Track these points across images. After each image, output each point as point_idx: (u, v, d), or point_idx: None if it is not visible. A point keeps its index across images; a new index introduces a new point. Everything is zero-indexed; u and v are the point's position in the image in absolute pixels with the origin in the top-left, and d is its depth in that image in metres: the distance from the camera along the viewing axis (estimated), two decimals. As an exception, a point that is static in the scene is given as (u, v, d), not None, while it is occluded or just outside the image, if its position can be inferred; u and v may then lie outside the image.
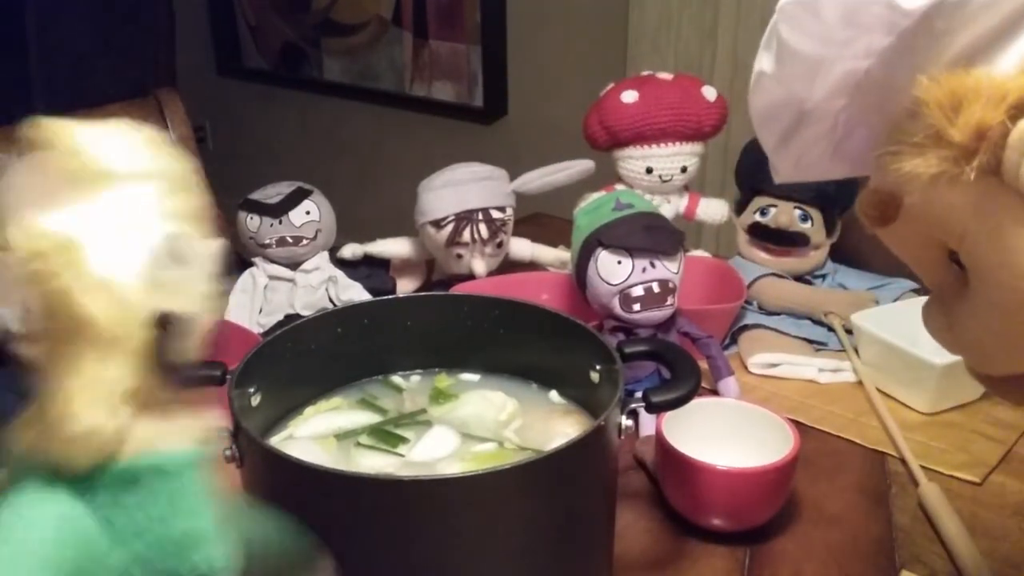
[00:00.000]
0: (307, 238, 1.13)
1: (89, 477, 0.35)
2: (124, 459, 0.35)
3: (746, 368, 1.04)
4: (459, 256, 1.13)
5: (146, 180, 0.36)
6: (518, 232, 1.20)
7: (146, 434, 0.36)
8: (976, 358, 0.45)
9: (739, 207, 1.23)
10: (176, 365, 0.35)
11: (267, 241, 1.13)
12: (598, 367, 0.70)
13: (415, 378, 0.80)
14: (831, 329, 1.10)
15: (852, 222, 1.23)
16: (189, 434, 0.38)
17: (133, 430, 0.35)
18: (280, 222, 1.13)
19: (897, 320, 0.99)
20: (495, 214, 1.12)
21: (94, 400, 0.34)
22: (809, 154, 0.50)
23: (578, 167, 1.18)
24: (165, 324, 0.34)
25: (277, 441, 0.72)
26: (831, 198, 1.15)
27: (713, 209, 1.25)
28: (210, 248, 0.37)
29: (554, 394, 0.77)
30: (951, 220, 0.40)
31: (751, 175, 1.20)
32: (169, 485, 0.36)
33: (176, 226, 0.36)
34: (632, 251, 0.91)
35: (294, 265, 1.14)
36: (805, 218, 1.16)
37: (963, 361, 0.46)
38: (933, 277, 0.45)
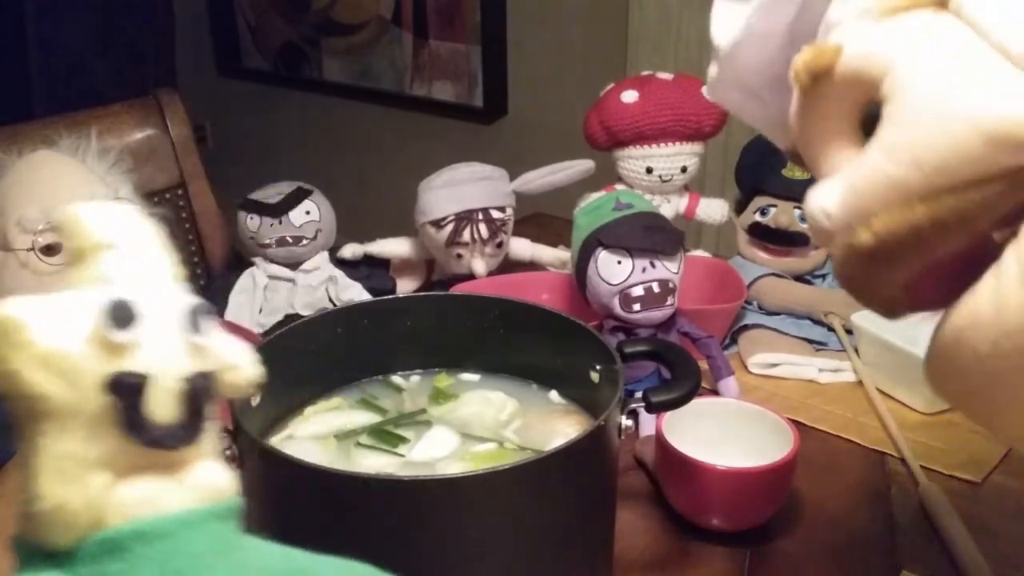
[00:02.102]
0: (307, 238, 1.13)
1: (73, 550, 0.34)
2: (108, 527, 0.34)
3: (746, 368, 1.04)
4: (459, 256, 1.13)
5: (104, 248, 0.36)
6: (518, 232, 1.20)
7: (132, 498, 0.35)
8: (862, 215, 0.38)
9: (739, 207, 1.23)
10: (151, 425, 0.34)
11: (267, 241, 1.13)
12: (598, 367, 0.70)
13: (415, 378, 0.80)
14: (831, 329, 1.10)
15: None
16: (189, 494, 0.36)
17: (114, 497, 0.34)
18: (280, 222, 1.13)
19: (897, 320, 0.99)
20: (495, 214, 1.12)
21: (58, 475, 0.33)
22: (765, 21, 0.48)
23: (578, 167, 1.18)
24: (123, 386, 0.33)
25: (277, 441, 0.72)
26: (831, 198, 1.15)
27: (713, 209, 1.25)
28: (177, 303, 0.36)
29: (554, 394, 0.77)
30: (880, 57, 0.37)
31: (751, 175, 1.20)
32: (156, 549, 0.35)
33: (132, 287, 0.35)
34: (632, 251, 0.91)
35: (294, 265, 1.14)
36: (805, 218, 1.16)
37: (836, 246, 0.40)
38: (838, 154, 0.41)
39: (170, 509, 0.35)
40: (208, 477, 0.37)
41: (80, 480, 0.33)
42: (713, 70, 0.51)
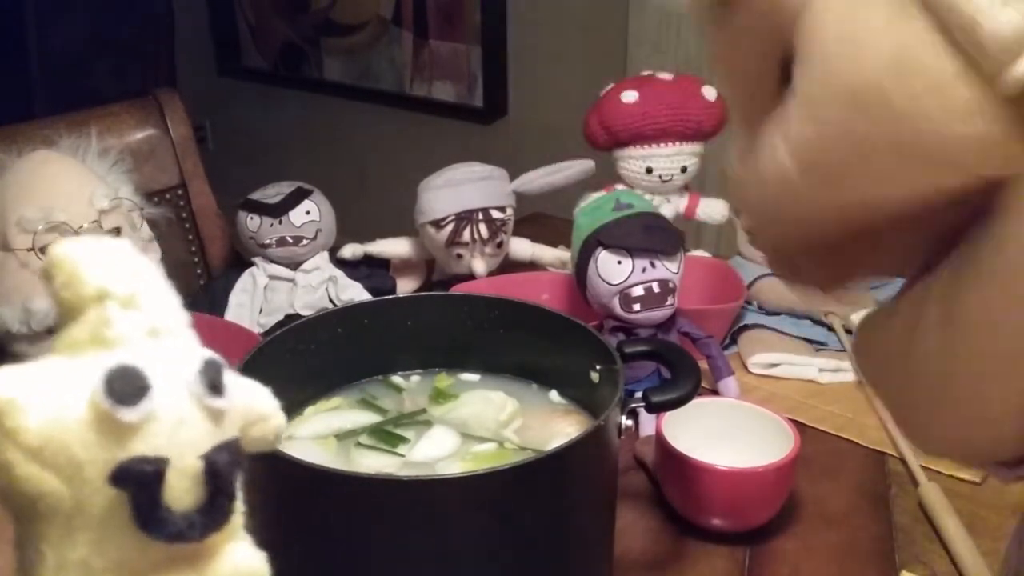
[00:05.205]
0: (307, 238, 1.13)
1: None
2: None
3: (746, 368, 1.04)
4: (459, 256, 1.13)
5: (103, 299, 0.30)
6: (518, 232, 1.20)
7: None
8: (781, 188, 0.30)
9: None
10: (170, 517, 0.29)
11: (267, 241, 1.13)
12: (598, 367, 0.71)
13: (415, 378, 0.80)
14: (831, 329, 1.10)
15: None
16: None
17: None
18: (280, 222, 1.13)
19: (897, 320, 0.99)
20: (495, 214, 1.12)
21: None
22: None
23: (578, 167, 1.18)
24: (133, 476, 0.28)
25: (277, 441, 0.72)
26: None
27: (713, 209, 1.25)
28: (189, 359, 0.30)
29: (554, 394, 0.77)
30: None
31: (751, 175, 1.20)
32: None
33: (138, 348, 0.30)
34: (632, 251, 0.91)
35: (294, 265, 1.14)
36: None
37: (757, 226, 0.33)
38: (758, 100, 0.32)
39: None
40: (237, 564, 0.32)
41: None
42: None
